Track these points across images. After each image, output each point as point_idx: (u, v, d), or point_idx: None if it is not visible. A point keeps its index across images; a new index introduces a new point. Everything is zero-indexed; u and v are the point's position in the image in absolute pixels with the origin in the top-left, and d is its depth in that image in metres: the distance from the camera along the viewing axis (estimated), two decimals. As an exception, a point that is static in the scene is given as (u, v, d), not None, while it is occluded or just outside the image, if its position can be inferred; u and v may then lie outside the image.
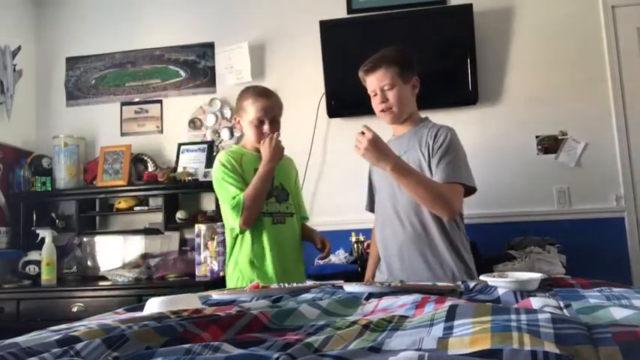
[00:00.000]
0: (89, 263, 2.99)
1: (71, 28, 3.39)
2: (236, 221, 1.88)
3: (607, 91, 2.82)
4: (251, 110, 1.95)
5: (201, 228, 2.67)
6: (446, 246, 1.74)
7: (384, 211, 1.86)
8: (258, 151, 1.99)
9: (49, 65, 3.38)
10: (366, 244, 2.59)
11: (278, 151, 1.92)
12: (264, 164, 1.90)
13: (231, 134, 3.12)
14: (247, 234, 1.95)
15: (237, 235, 1.97)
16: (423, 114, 1.93)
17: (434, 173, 1.71)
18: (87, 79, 3.34)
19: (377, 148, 1.63)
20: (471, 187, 1.74)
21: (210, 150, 3.09)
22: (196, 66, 3.22)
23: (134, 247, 2.99)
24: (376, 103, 1.82)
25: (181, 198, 3.13)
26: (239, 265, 1.96)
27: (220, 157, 1.98)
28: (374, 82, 1.80)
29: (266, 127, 1.94)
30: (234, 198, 1.88)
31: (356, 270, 2.42)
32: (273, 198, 1.99)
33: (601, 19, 2.86)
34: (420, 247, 1.76)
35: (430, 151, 1.74)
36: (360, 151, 1.65)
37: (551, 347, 0.57)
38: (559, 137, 2.85)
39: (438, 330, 0.72)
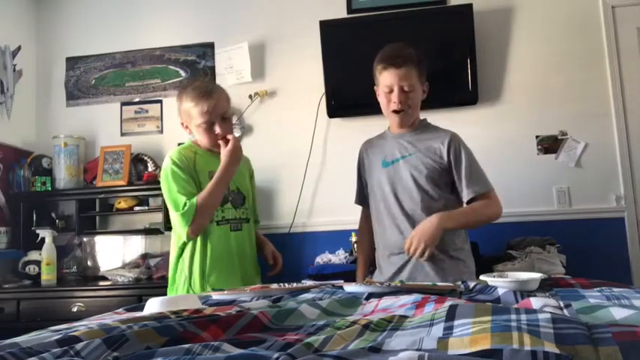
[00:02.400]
0: (89, 263, 2.99)
1: (71, 28, 3.39)
2: (184, 229, 1.72)
3: (607, 91, 2.82)
4: (195, 113, 1.80)
5: (201, 228, 2.66)
6: (443, 247, 1.74)
7: (377, 214, 1.86)
8: (212, 150, 1.87)
9: (49, 65, 3.38)
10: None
11: (238, 153, 1.78)
12: (224, 168, 1.75)
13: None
14: (199, 243, 1.80)
15: (184, 244, 1.81)
16: (423, 114, 1.93)
17: (464, 188, 1.75)
18: (87, 79, 3.34)
19: (430, 235, 1.65)
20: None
21: (210, 150, 3.09)
22: (196, 66, 3.22)
23: (134, 247, 2.99)
24: (390, 101, 1.76)
25: (181, 198, 3.12)
26: (190, 278, 1.80)
27: (172, 155, 1.83)
28: (393, 77, 1.73)
29: (218, 129, 1.81)
30: (185, 203, 1.71)
31: (356, 270, 2.41)
32: (229, 203, 1.86)
33: (601, 19, 2.86)
34: None
35: (449, 162, 1.76)
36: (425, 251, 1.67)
37: (551, 347, 0.57)
38: (559, 137, 2.85)
39: (438, 330, 0.72)
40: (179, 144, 3.12)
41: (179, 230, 1.76)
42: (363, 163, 1.97)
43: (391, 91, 1.74)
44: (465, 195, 1.76)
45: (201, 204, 1.72)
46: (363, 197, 1.98)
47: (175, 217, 1.75)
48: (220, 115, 1.82)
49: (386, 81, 1.75)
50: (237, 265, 1.84)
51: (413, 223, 1.76)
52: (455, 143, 1.77)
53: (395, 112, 1.77)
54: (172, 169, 1.78)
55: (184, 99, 1.84)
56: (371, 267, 2.02)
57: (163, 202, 2.97)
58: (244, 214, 1.91)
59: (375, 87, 1.84)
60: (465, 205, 1.80)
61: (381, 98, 1.80)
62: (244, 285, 1.76)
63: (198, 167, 1.82)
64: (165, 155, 2.89)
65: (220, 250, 1.81)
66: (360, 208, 2.09)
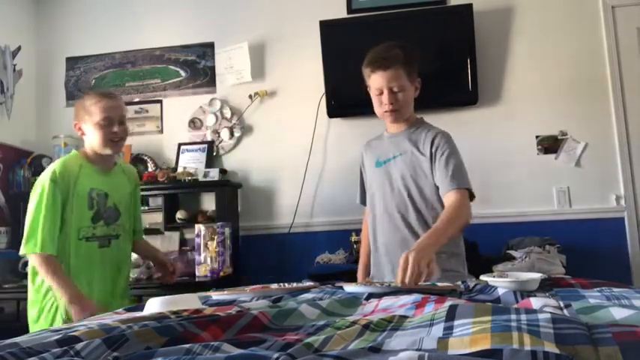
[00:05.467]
0: (89, 263, 2.99)
1: (71, 28, 3.39)
2: (31, 253, 1.77)
3: (607, 91, 2.82)
4: (97, 110, 1.84)
5: (201, 228, 2.67)
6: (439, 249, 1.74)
7: (376, 212, 1.86)
8: (99, 161, 1.91)
9: (49, 65, 3.38)
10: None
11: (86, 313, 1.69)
12: (69, 301, 1.73)
13: (231, 134, 3.12)
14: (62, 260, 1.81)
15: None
16: (422, 114, 1.92)
17: (439, 180, 1.70)
18: (87, 79, 3.34)
19: (423, 256, 1.39)
20: (472, 192, 1.73)
21: (210, 150, 3.09)
22: (196, 66, 3.22)
23: (134, 247, 2.98)
24: (381, 103, 1.76)
25: (181, 198, 3.13)
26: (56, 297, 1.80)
27: (55, 167, 1.83)
28: (381, 80, 1.73)
29: (115, 129, 1.86)
30: (41, 246, 1.74)
31: (356, 270, 2.41)
32: (102, 221, 1.91)
33: (601, 19, 2.86)
34: (408, 249, 1.75)
35: (431, 156, 1.74)
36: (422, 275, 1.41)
37: (551, 347, 0.57)
38: (559, 137, 2.85)
39: (438, 330, 0.72)
40: (179, 144, 3.16)
41: (24, 245, 1.80)
42: (363, 164, 1.98)
43: (381, 93, 1.75)
44: (443, 187, 1.70)
45: (46, 266, 1.76)
46: (365, 198, 1.99)
47: (29, 239, 1.78)
48: (119, 117, 1.89)
49: (375, 84, 1.76)
50: (98, 280, 1.89)
51: (406, 222, 1.75)
52: (440, 139, 1.75)
53: (387, 111, 1.77)
54: (49, 188, 1.79)
55: (87, 98, 1.90)
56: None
57: (163, 202, 2.99)
58: (115, 231, 1.96)
59: (367, 88, 1.84)
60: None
61: (373, 100, 1.81)
62: (113, 296, 1.90)
63: (79, 183, 1.85)
64: (166, 155, 2.89)
65: (82, 266, 1.85)
66: (362, 208, 2.09)
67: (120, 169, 2.05)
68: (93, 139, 1.88)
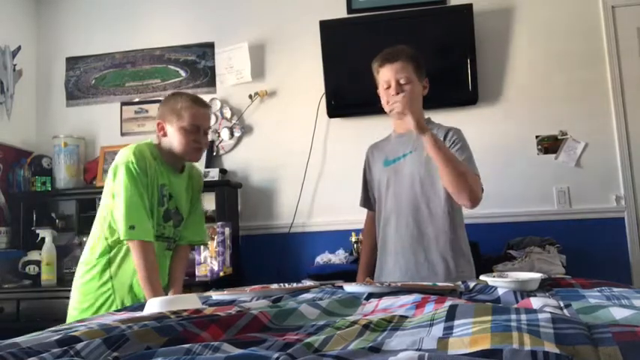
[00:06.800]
0: (89, 263, 2.99)
1: (71, 28, 3.39)
2: (128, 234, 1.65)
3: (607, 91, 2.82)
4: (188, 115, 1.77)
5: (201, 228, 2.66)
6: (445, 247, 1.74)
7: (386, 211, 1.85)
8: (172, 160, 1.83)
9: (49, 65, 3.38)
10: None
11: None
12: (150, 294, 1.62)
13: (231, 134, 3.12)
14: (129, 253, 1.72)
15: (113, 246, 1.74)
16: (424, 114, 1.93)
17: None
18: (87, 79, 3.34)
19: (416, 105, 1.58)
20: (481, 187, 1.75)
21: (210, 150, 3.09)
22: (196, 66, 3.22)
23: (134, 247, 2.98)
24: (389, 96, 1.74)
25: (181, 198, 3.12)
26: (114, 284, 1.74)
27: (134, 151, 1.72)
28: (390, 72, 1.73)
29: (200, 138, 1.80)
30: (146, 233, 1.65)
31: (356, 270, 2.41)
32: (171, 221, 1.82)
33: (601, 19, 2.86)
34: (418, 247, 1.76)
35: None
36: (402, 107, 1.59)
37: (551, 347, 0.57)
38: (559, 137, 2.85)
39: (438, 330, 0.72)
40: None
41: (122, 231, 1.65)
42: (368, 166, 1.98)
43: (389, 86, 1.75)
44: None
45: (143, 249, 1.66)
46: (367, 200, 1.99)
47: (122, 217, 1.65)
48: (206, 128, 1.84)
49: (383, 77, 1.77)
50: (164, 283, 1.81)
51: (416, 219, 1.76)
52: (453, 133, 1.77)
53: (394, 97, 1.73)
54: (134, 169, 1.68)
55: (181, 98, 1.82)
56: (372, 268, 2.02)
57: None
58: (177, 235, 1.88)
59: (377, 90, 1.84)
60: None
61: (382, 97, 1.80)
62: None
63: (151, 173, 1.74)
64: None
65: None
66: (361, 208, 2.09)
67: (187, 174, 1.93)
68: (175, 143, 1.79)
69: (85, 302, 1.76)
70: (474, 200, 1.68)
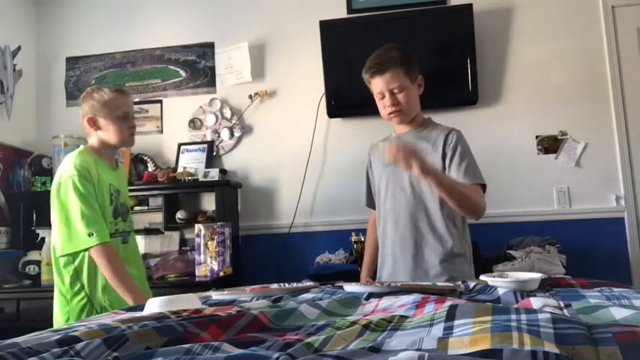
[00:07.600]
0: (89, 263, 2.99)
1: (71, 28, 3.39)
2: (88, 242, 1.71)
3: (607, 91, 2.82)
4: (118, 104, 1.89)
5: (201, 228, 2.67)
6: (444, 246, 1.74)
7: (385, 211, 1.86)
8: (108, 157, 1.94)
9: (49, 65, 3.38)
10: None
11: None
12: (134, 302, 1.66)
13: (231, 134, 3.12)
14: (88, 259, 1.79)
15: (75, 260, 1.80)
16: (423, 114, 1.93)
17: (453, 177, 1.71)
18: (87, 79, 3.34)
19: (404, 149, 1.57)
20: (485, 186, 1.75)
21: (210, 150, 3.10)
22: (196, 66, 3.22)
23: (134, 247, 2.98)
24: (384, 106, 1.77)
25: (181, 198, 3.13)
26: (91, 294, 1.81)
27: (75, 163, 1.80)
28: (381, 84, 1.74)
29: (132, 123, 1.95)
30: (101, 236, 1.72)
31: (356, 270, 2.42)
32: (120, 217, 1.93)
33: (601, 19, 2.86)
34: (417, 248, 1.76)
35: (444, 153, 1.74)
36: (404, 164, 1.57)
37: (551, 347, 0.57)
38: (559, 137, 2.85)
39: (438, 330, 0.72)
40: (179, 144, 3.16)
41: (82, 240, 1.73)
42: (370, 166, 1.98)
43: (383, 97, 1.76)
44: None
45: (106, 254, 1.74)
46: (371, 200, 1.99)
47: (78, 230, 1.74)
48: (132, 113, 1.98)
49: (376, 89, 1.78)
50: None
51: (414, 220, 1.75)
52: (453, 136, 1.76)
53: (391, 113, 1.77)
54: (81, 180, 1.77)
55: (105, 91, 1.91)
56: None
57: (163, 202, 2.99)
58: (129, 227, 1.98)
59: (371, 93, 1.85)
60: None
61: (378, 104, 1.82)
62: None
63: (100, 178, 1.85)
64: (166, 155, 2.87)
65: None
66: (363, 207, 2.09)
67: (121, 167, 2.10)
68: (111, 133, 1.90)
69: (64, 315, 1.85)
70: (479, 214, 1.71)
